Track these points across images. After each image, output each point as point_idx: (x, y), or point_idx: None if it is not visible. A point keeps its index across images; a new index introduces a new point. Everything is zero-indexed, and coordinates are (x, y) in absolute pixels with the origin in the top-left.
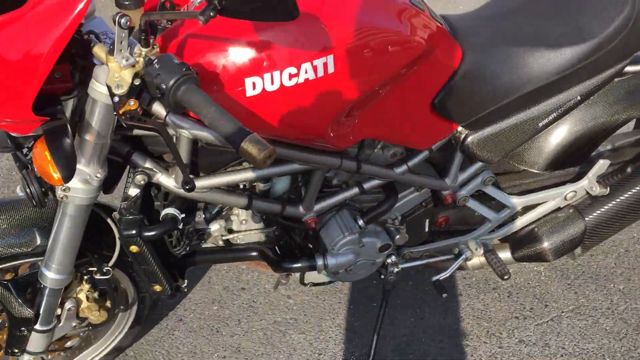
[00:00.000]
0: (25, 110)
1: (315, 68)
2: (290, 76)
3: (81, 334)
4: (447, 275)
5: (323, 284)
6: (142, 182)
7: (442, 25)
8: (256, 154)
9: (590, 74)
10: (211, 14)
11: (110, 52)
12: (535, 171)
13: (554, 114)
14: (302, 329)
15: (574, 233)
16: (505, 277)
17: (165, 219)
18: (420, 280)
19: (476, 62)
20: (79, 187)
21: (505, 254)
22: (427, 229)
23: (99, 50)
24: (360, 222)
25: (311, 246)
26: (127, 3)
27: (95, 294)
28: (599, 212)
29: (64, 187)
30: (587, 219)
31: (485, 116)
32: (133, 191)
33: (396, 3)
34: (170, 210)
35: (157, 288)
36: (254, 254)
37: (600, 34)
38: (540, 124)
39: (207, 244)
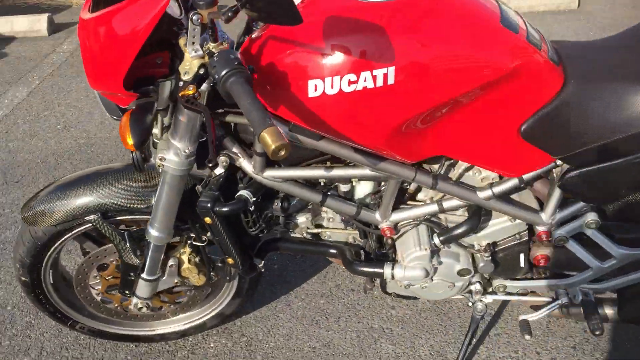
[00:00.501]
0: (117, 84)
1: (374, 78)
2: (350, 83)
3: (188, 293)
4: (538, 317)
5: (407, 297)
6: (225, 164)
7: (540, 49)
8: (270, 143)
9: None
10: (229, 14)
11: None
12: None
13: None
14: (395, 340)
15: None
16: (597, 334)
17: (238, 199)
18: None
19: (581, 92)
20: (172, 159)
21: (611, 310)
22: (522, 264)
23: (181, 42)
24: (436, 240)
25: (389, 255)
26: (201, 3)
27: (197, 259)
28: None
29: (160, 157)
30: None
31: (587, 152)
32: (218, 170)
33: (480, 23)
34: (243, 192)
35: (230, 261)
36: (333, 251)
37: None
38: None
39: (295, 234)
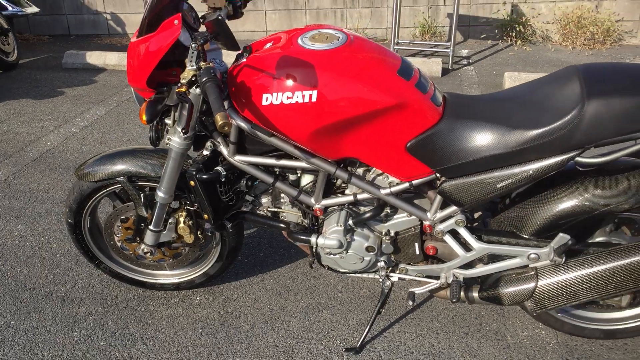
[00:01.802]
0: (142, 83)
1: (304, 96)
2: (287, 97)
3: (183, 251)
4: (421, 291)
5: (335, 271)
6: (210, 147)
7: (425, 93)
8: (219, 120)
9: (539, 154)
10: (202, 40)
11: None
12: (522, 234)
13: (509, 180)
14: (334, 312)
15: (524, 288)
16: (454, 301)
17: (214, 172)
18: (441, 309)
19: (451, 125)
20: (175, 140)
21: (476, 293)
22: (418, 252)
23: (186, 61)
24: (350, 221)
25: (319, 230)
26: (198, 37)
27: (190, 222)
28: (551, 276)
29: (168, 138)
30: (540, 279)
31: (453, 168)
32: (205, 152)
33: (379, 70)
34: (219, 168)
35: (205, 217)
36: (282, 225)
37: (549, 125)
38: (498, 186)
39: (260, 211)
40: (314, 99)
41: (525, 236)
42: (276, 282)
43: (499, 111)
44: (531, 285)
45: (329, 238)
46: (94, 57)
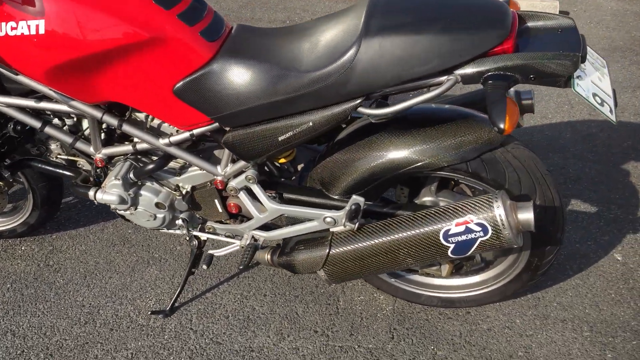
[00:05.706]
0: None
1: (29, 27)
2: (12, 28)
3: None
4: (221, 254)
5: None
6: None
7: (192, 26)
8: None
9: (315, 103)
10: None
11: None
12: (329, 194)
13: (290, 133)
14: (163, 268)
15: (316, 256)
16: (241, 267)
17: None
18: (279, 269)
19: (224, 66)
20: None
21: (269, 255)
22: (220, 209)
23: None
24: (131, 174)
25: None
26: None
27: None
28: (343, 245)
29: None
30: (332, 247)
31: (229, 116)
32: None
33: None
34: None
35: None
36: (69, 174)
37: (322, 68)
38: (280, 138)
39: (51, 158)
40: (41, 30)
41: (333, 196)
42: (116, 232)
43: (278, 50)
44: (323, 252)
45: (107, 193)
46: None
